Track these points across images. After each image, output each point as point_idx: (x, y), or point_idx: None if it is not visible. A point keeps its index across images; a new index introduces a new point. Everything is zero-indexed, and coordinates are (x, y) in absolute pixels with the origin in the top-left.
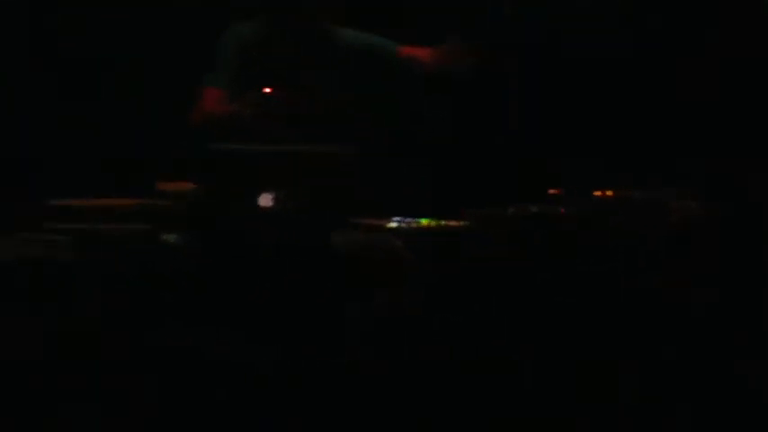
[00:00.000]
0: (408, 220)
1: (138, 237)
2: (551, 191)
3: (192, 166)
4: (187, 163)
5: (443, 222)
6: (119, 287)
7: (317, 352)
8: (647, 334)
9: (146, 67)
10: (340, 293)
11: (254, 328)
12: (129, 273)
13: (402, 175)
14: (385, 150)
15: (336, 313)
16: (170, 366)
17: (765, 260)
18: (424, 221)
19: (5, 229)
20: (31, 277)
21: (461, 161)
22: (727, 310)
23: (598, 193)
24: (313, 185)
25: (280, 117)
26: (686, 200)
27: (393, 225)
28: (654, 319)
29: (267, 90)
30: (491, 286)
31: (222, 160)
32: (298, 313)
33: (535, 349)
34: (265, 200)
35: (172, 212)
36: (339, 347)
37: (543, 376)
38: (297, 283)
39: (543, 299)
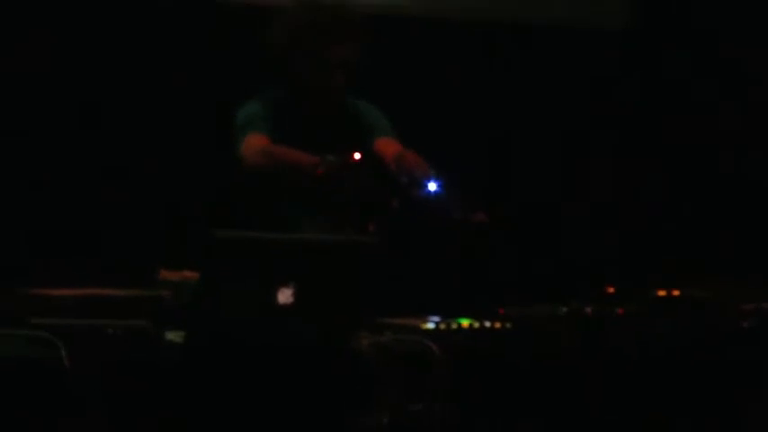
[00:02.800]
0: (446, 320)
1: (136, 334)
2: (608, 289)
3: (197, 252)
4: (191, 249)
5: (487, 323)
6: (113, 394)
7: None
8: None
9: (144, 142)
10: (362, 405)
11: None
12: (126, 377)
13: (437, 269)
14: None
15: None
16: None
17: None
18: (465, 322)
19: None
20: (8, 382)
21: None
22: None
23: (662, 293)
24: (334, 279)
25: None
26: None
27: (429, 326)
28: None
29: (357, 156)
30: (540, 398)
31: (229, 247)
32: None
33: None
34: (282, 295)
35: (174, 305)
36: None
37: None
38: (314, 393)
39: (597, 411)
